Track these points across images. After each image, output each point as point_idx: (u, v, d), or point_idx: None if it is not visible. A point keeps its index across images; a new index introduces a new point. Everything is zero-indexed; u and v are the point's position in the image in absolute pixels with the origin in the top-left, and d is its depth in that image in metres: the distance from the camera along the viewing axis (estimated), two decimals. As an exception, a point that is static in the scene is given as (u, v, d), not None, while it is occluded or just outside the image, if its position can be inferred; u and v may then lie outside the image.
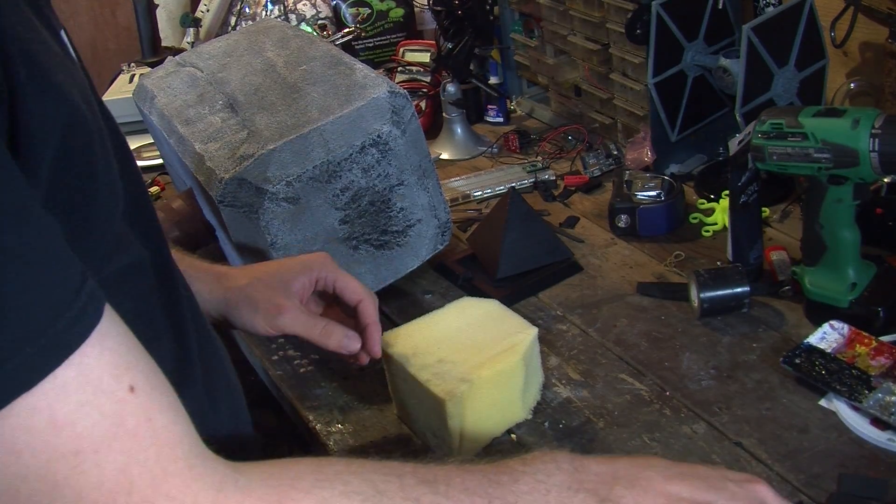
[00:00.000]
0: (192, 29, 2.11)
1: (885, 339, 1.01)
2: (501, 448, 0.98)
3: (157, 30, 2.26)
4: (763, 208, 1.28)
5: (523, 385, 0.99)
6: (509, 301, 1.16)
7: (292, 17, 2.08)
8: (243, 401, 0.83)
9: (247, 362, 1.25)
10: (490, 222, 1.30)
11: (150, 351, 0.67)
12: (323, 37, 1.93)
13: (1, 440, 0.48)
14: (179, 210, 1.31)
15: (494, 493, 0.63)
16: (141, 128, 1.67)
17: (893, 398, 0.93)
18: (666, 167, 1.46)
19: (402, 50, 1.82)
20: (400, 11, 2.01)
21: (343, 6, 2.03)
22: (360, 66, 1.19)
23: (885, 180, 1.20)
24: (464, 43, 1.61)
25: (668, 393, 1.02)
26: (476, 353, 0.97)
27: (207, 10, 2.11)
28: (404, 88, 1.23)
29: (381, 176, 1.15)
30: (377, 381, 1.08)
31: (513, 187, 1.41)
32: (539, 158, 1.59)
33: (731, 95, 1.35)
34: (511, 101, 1.82)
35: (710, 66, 1.40)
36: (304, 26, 2.05)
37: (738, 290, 1.10)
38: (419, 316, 1.05)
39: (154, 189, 1.67)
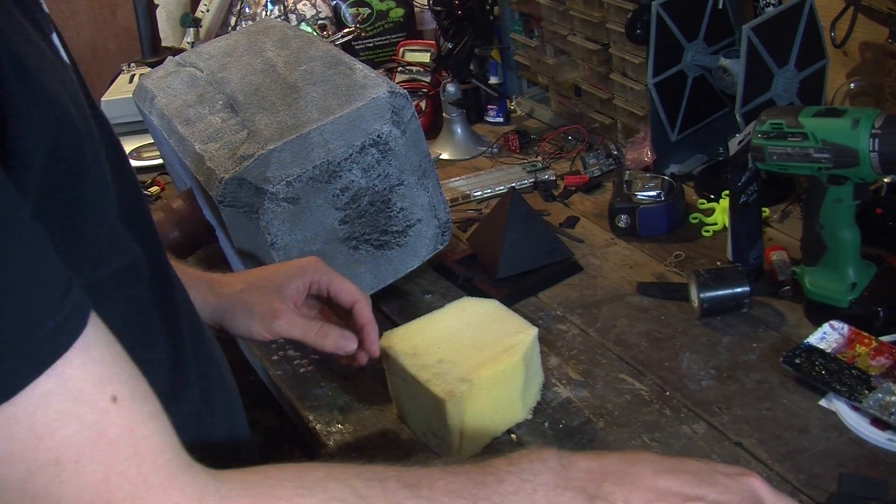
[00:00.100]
0: (192, 29, 2.11)
1: (885, 339, 1.01)
2: (501, 448, 0.98)
3: (157, 30, 2.26)
4: (763, 208, 1.28)
5: (523, 385, 0.99)
6: (509, 301, 1.16)
7: (292, 17, 2.08)
8: (239, 401, 0.83)
9: (247, 362, 1.25)
10: (490, 222, 1.30)
11: (145, 353, 0.67)
12: (323, 37, 1.93)
13: None
14: (179, 210, 1.31)
15: (479, 494, 0.62)
16: (141, 128, 1.67)
17: (893, 398, 0.93)
18: (666, 167, 1.46)
19: (402, 50, 1.82)
20: (400, 11, 2.01)
21: (343, 6, 2.03)
22: (360, 66, 1.19)
23: (885, 180, 1.20)
24: (464, 43, 1.61)
25: (668, 393, 1.02)
26: (476, 353, 0.97)
27: (207, 10, 2.11)
28: (404, 88, 1.23)
29: (381, 176, 1.15)
30: (377, 381, 1.09)
31: (513, 187, 1.41)
32: (539, 158, 1.59)
33: (731, 95, 1.35)
34: (511, 101, 1.82)
35: (710, 66, 1.40)
36: (304, 26, 2.05)
37: (738, 290, 1.11)
38: (419, 316, 1.05)
39: (154, 189, 1.67)
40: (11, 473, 0.49)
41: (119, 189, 0.63)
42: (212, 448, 0.74)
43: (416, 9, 2.02)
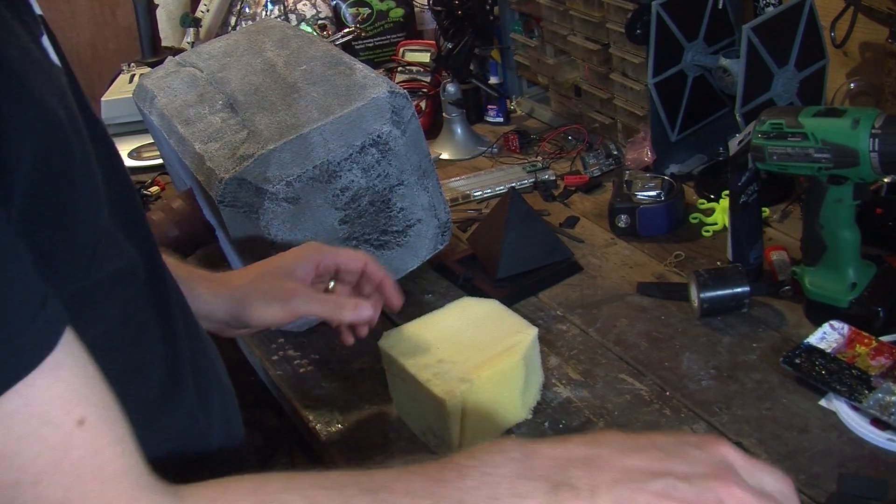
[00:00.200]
0: (192, 29, 2.11)
1: (885, 339, 1.01)
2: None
3: (157, 30, 2.26)
4: (763, 208, 1.28)
5: (523, 385, 0.99)
6: (509, 301, 1.16)
7: (292, 17, 2.09)
8: (235, 401, 0.83)
9: (247, 362, 1.25)
10: (490, 222, 1.30)
11: (141, 354, 0.67)
12: (323, 37, 1.93)
13: None
14: (179, 210, 1.31)
15: (440, 492, 0.60)
16: (141, 128, 1.68)
17: (893, 398, 0.93)
18: (666, 167, 1.46)
19: (402, 50, 1.82)
20: (400, 11, 2.01)
21: (343, 6, 2.03)
22: (360, 66, 1.19)
23: (885, 180, 1.20)
24: (464, 43, 1.61)
25: (668, 393, 1.02)
26: (476, 353, 0.97)
27: (207, 10, 2.11)
28: (404, 88, 1.23)
29: (381, 176, 1.15)
30: (377, 381, 1.09)
31: (513, 187, 1.41)
32: (539, 158, 1.59)
33: (731, 95, 1.35)
34: (511, 101, 1.82)
35: (710, 66, 1.40)
36: (304, 26, 2.05)
37: (738, 290, 1.10)
38: (419, 316, 1.05)
39: (154, 189, 1.67)
40: None
41: (112, 191, 0.63)
42: (208, 448, 0.74)
43: (416, 9, 2.02)
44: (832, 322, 1.04)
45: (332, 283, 1.00)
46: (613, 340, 1.12)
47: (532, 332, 0.99)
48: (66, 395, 0.52)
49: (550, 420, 1.01)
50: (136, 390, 0.67)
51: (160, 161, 1.61)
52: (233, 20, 2.13)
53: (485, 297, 1.10)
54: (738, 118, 1.27)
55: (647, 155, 1.44)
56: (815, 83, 1.37)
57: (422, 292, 1.27)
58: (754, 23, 1.25)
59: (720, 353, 1.07)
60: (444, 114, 1.68)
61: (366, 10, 2.01)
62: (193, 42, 2.08)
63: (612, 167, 1.52)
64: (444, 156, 1.66)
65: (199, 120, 1.18)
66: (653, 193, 1.34)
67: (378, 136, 1.13)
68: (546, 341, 1.13)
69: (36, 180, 0.52)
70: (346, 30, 1.96)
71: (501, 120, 1.78)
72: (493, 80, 1.80)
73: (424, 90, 1.75)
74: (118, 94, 1.88)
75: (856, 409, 0.94)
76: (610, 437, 0.66)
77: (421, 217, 1.20)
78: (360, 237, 1.17)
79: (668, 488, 0.61)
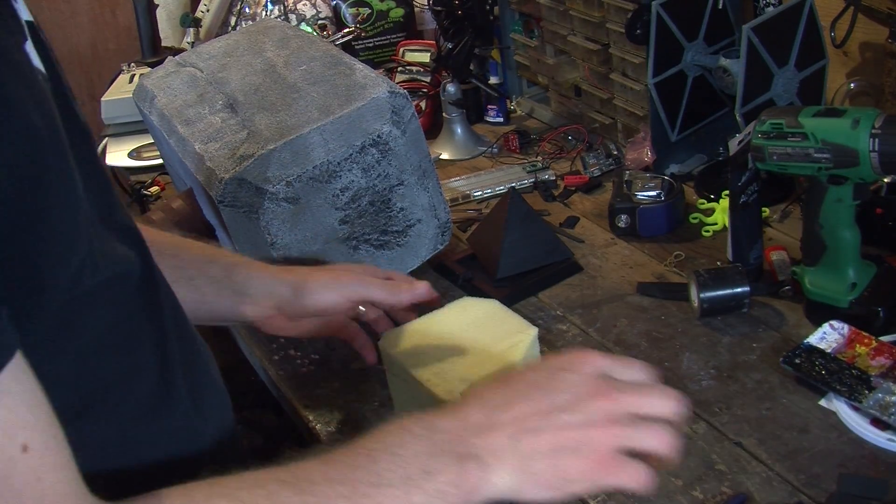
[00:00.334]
0: (192, 29, 2.11)
1: (885, 339, 1.01)
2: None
3: (157, 30, 2.26)
4: (763, 208, 1.28)
5: None
6: (509, 301, 1.16)
7: (292, 17, 2.09)
8: (229, 402, 0.83)
9: (247, 362, 1.25)
10: (490, 222, 1.30)
11: (131, 360, 0.67)
12: (323, 37, 1.93)
13: None
14: (179, 210, 1.31)
15: (356, 476, 0.62)
16: (141, 128, 1.68)
17: (893, 398, 0.93)
18: (666, 167, 1.46)
19: (402, 50, 1.82)
20: (400, 11, 2.01)
21: (343, 6, 2.03)
22: (360, 66, 1.19)
23: (885, 180, 1.20)
24: (464, 43, 1.61)
25: (668, 393, 1.02)
26: (476, 353, 0.97)
27: (207, 10, 2.11)
28: (404, 88, 1.23)
29: (381, 176, 1.15)
30: (377, 381, 1.09)
31: (513, 187, 1.41)
32: (539, 158, 1.59)
33: (731, 95, 1.35)
34: (511, 101, 1.82)
35: (710, 66, 1.40)
36: (304, 26, 2.05)
37: (738, 290, 1.10)
38: (419, 316, 1.05)
39: (154, 189, 1.67)
40: None
41: (96, 197, 0.63)
42: (202, 449, 0.74)
43: (416, 9, 2.02)
44: (832, 322, 1.04)
45: (361, 308, 1.03)
46: (613, 340, 1.12)
47: (532, 332, 0.99)
48: (11, 420, 0.52)
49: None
50: (129, 393, 0.67)
51: (160, 161, 1.61)
52: (233, 20, 2.13)
53: (485, 297, 1.09)
54: (738, 118, 1.27)
55: (647, 155, 1.44)
56: (815, 83, 1.37)
57: (422, 292, 1.27)
58: (754, 23, 1.25)
59: (720, 353, 1.07)
60: (444, 114, 1.68)
61: (366, 10, 2.01)
62: (193, 42, 2.08)
63: (612, 167, 1.52)
64: (444, 156, 1.66)
65: (199, 120, 1.18)
66: (653, 193, 1.34)
67: (378, 136, 1.13)
68: (546, 341, 1.13)
69: (4, 189, 0.51)
70: (346, 30, 1.96)
71: (501, 120, 1.78)
72: (493, 80, 1.80)
73: (424, 90, 1.75)
74: (118, 94, 1.88)
75: (856, 409, 0.94)
76: (490, 393, 0.69)
77: (421, 217, 1.20)
78: (360, 237, 1.17)
79: (562, 425, 0.65)
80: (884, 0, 1.31)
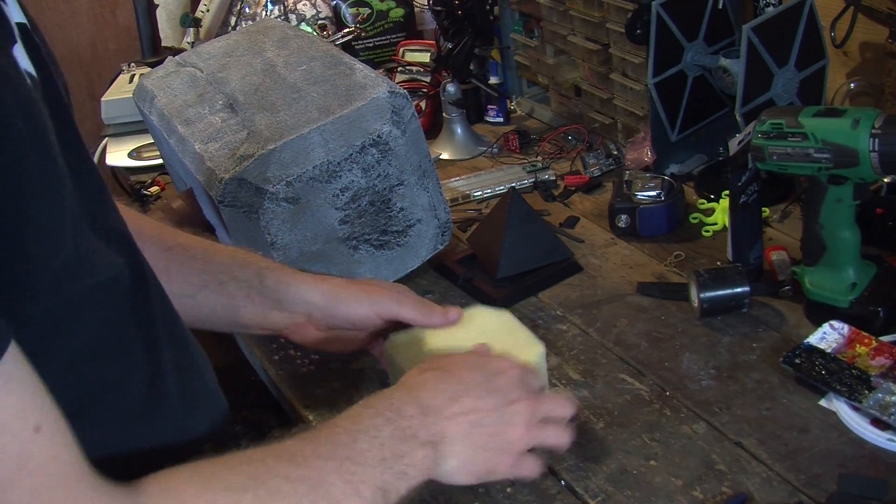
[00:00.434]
0: (192, 29, 2.11)
1: (885, 339, 1.01)
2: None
3: (157, 30, 2.26)
4: (763, 208, 1.28)
5: None
6: (509, 301, 1.16)
7: (292, 17, 2.08)
8: (224, 406, 0.83)
9: (247, 362, 1.25)
10: (490, 222, 1.30)
11: (120, 367, 0.67)
12: (323, 37, 1.93)
13: None
14: (179, 210, 1.31)
15: (342, 454, 0.70)
16: (141, 128, 1.68)
17: (893, 398, 0.93)
18: (666, 167, 1.46)
19: (402, 50, 1.82)
20: (400, 11, 2.01)
21: (343, 6, 2.03)
22: (360, 66, 1.19)
23: (885, 180, 1.20)
24: (464, 43, 1.61)
25: (668, 393, 1.02)
26: None
27: (207, 10, 2.11)
28: (404, 88, 1.23)
29: (381, 176, 1.15)
30: (377, 381, 1.09)
31: (513, 187, 1.41)
32: (539, 158, 1.59)
33: (731, 95, 1.35)
34: (511, 101, 1.82)
35: (710, 66, 1.40)
36: (304, 26, 2.05)
37: (738, 290, 1.10)
38: None
39: (154, 189, 1.67)
40: None
41: (86, 205, 0.63)
42: (193, 453, 0.74)
43: (416, 9, 2.02)
44: (832, 322, 1.04)
45: None
46: (613, 340, 1.12)
47: (538, 349, 0.95)
48: (20, 404, 0.54)
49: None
50: (119, 399, 0.68)
51: (160, 161, 1.61)
52: (233, 20, 2.13)
53: (485, 297, 1.09)
54: (738, 118, 1.27)
55: (647, 155, 1.44)
56: (815, 83, 1.37)
57: (422, 292, 1.27)
58: (754, 23, 1.25)
59: (720, 353, 1.07)
60: (444, 114, 1.68)
61: (366, 10, 2.01)
62: (193, 42, 2.08)
63: (612, 167, 1.52)
64: (444, 156, 1.66)
65: (199, 120, 1.18)
66: (653, 193, 1.34)
67: (378, 136, 1.13)
68: (546, 341, 1.12)
69: None
70: (346, 30, 1.96)
71: (501, 120, 1.78)
72: (493, 80, 1.80)
73: (424, 90, 1.75)
74: (118, 94, 1.88)
75: (856, 409, 0.94)
76: (442, 382, 0.79)
77: (421, 217, 1.20)
78: (360, 237, 1.17)
79: (496, 424, 0.78)
80: (884, 0, 1.31)
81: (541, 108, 1.77)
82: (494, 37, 1.73)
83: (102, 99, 1.88)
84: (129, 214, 0.96)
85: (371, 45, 2.01)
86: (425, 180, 1.19)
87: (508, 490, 0.92)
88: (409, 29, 2.03)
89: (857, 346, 1.01)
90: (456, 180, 1.54)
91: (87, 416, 0.63)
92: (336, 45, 1.47)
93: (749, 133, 1.10)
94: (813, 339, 1.03)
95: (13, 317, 0.54)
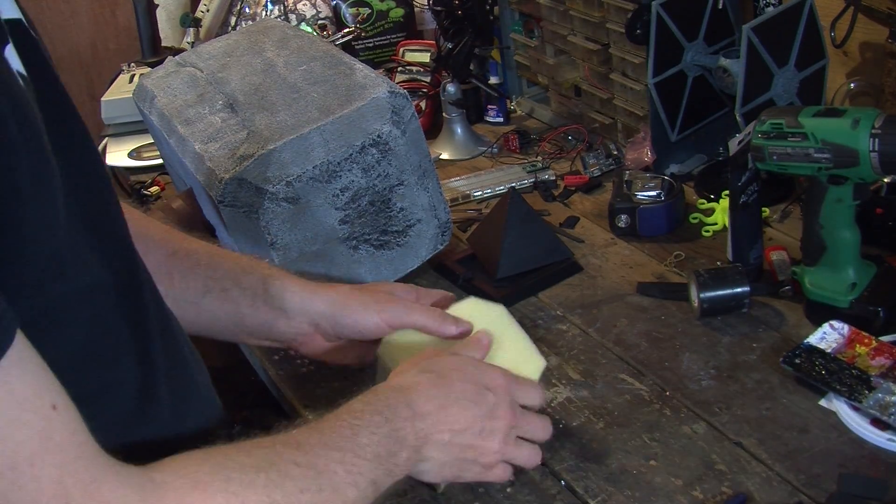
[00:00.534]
0: (192, 29, 2.11)
1: (885, 339, 1.01)
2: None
3: (157, 30, 2.26)
4: (763, 208, 1.28)
5: None
6: (509, 301, 1.16)
7: (292, 17, 2.08)
8: (218, 411, 0.83)
9: (247, 362, 1.25)
10: (490, 222, 1.30)
11: (109, 373, 0.67)
12: (323, 37, 1.93)
13: None
14: (179, 210, 1.31)
15: (345, 446, 0.72)
16: (141, 128, 1.67)
17: (893, 398, 0.93)
18: (666, 167, 1.46)
19: (402, 50, 1.82)
20: (400, 11, 2.01)
21: (343, 6, 2.03)
22: (360, 66, 1.19)
23: (885, 180, 1.20)
24: (464, 43, 1.61)
25: (668, 393, 1.02)
26: None
27: (207, 10, 2.11)
28: (404, 88, 1.23)
29: (381, 176, 1.15)
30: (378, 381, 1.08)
31: (513, 187, 1.41)
32: (539, 158, 1.59)
33: (731, 95, 1.35)
34: (511, 101, 1.82)
35: (710, 66, 1.40)
36: (304, 26, 2.05)
37: (738, 290, 1.10)
38: None
39: (154, 189, 1.67)
40: None
41: (83, 206, 0.63)
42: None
43: (416, 9, 2.02)
44: (832, 322, 1.04)
45: None
46: (613, 340, 1.12)
47: (538, 365, 0.94)
48: (37, 383, 0.55)
49: (550, 420, 1.00)
50: (107, 408, 0.68)
51: (160, 161, 1.61)
52: (233, 20, 2.13)
53: (485, 297, 1.08)
54: (738, 118, 1.27)
55: (647, 155, 1.44)
56: (815, 83, 1.37)
57: (422, 292, 1.27)
58: (754, 23, 1.25)
59: (720, 353, 1.07)
60: (444, 114, 1.68)
61: (366, 10, 2.01)
62: (193, 42, 2.08)
63: (612, 167, 1.52)
64: (444, 156, 1.66)
65: (199, 120, 1.18)
66: (653, 193, 1.34)
67: (378, 136, 1.13)
68: (546, 341, 1.13)
69: None
70: (346, 30, 1.96)
71: (501, 120, 1.77)
72: (493, 80, 1.80)
73: (424, 90, 1.75)
74: (118, 94, 1.88)
75: (856, 409, 0.94)
76: (434, 387, 0.81)
77: (421, 217, 1.20)
78: (360, 237, 1.17)
79: (475, 438, 0.81)
80: (884, 0, 1.31)
81: (541, 108, 1.77)
82: (494, 37, 1.73)
83: (102, 99, 1.88)
84: (135, 216, 0.96)
85: (371, 45, 2.01)
86: (425, 180, 1.19)
87: (508, 490, 0.92)
88: (409, 29, 2.03)
89: (857, 346, 1.01)
90: (456, 180, 1.54)
91: None
92: (336, 45, 1.48)
93: (749, 133, 1.10)
94: (813, 339, 1.03)
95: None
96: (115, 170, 1.78)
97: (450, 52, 1.62)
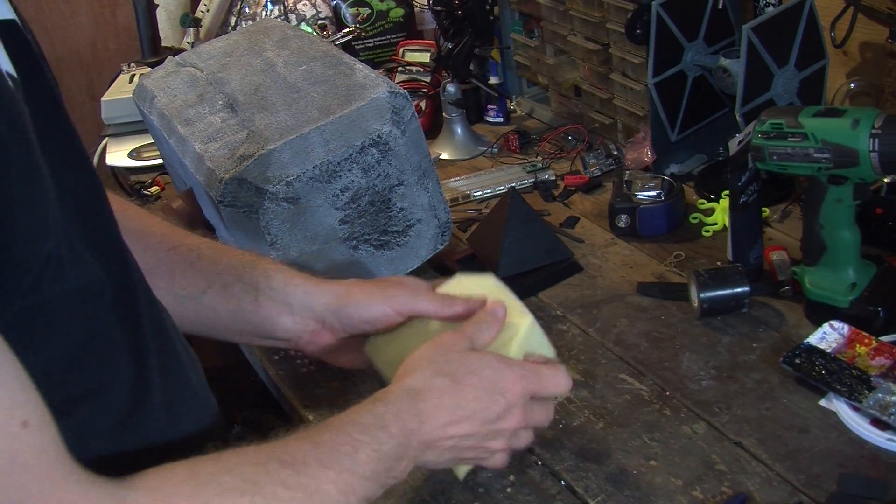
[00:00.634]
0: (192, 29, 2.11)
1: (885, 339, 1.01)
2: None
3: (157, 30, 2.26)
4: (763, 208, 1.28)
5: None
6: (509, 301, 1.16)
7: (292, 17, 2.08)
8: (214, 413, 0.82)
9: (247, 362, 1.25)
10: (490, 222, 1.30)
11: (103, 373, 0.67)
12: (323, 37, 1.93)
13: None
14: (179, 210, 1.31)
15: (343, 463, 0.70)
16: (141, 128, 1.67)
17: (893, 398, 0.93)
18: (666, 167, 1.46)
19: (402, 50, 1.82)
20: (400, 11, 2.01)
21: (343, 6, 2.03)
22: (360, 66, 1.19)
23: (885, 180, 1.20)
24: (464, 43, 1.61)
25: (668, 393, 1.02)
26: None
27: (207, 10, 2.11)
28: (404, 88, 1.23)
29: (381, 176, 1.15)
30: (377, 381, 1.08)
31: (513, 187, 1.41)
32: (539, 158, 1.59)
33: (731, 95, 1.35)
34: (511, 101, 1.82)
35: (710, 66, 1.40)
36: (304, 26, 2.05)
37: (738, 290, 1.10)
38: None
39: (154, 189, 1.67)
40: None
41: (75, 206, 0.62)
42: (176, 459, 0.74)
43: (416, 9, 2.02)
44: (832, 322, 1.04)
45: None
46: (613, 340, 1.12)
47: (525, 321, 0.89)
48: (8, 399, 0.54)
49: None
50: (99, 409, 0.67)
51: (160, 161, 1.61)
52: (233, 20, 2.13)
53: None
54: (738, 118, 1.27)
55: (647, 155, 1.44)
56: (815, 83, 1.37)
57: (422, 292, 1.27)
58: (754, 23, 1.25)
59: (720, 353, 1.07)
60: (444, 114, 1.68)
61: (366, 10, 2.01)
62: (193, 42, 2.08)
63: (612, 167, 1.52)
64: (444, 156, 1.66)
65: (199, 120, 1.18)
66: (653, 193, 1.34)
67: (378, 136, 1.13)
68: (546, 341, 1.13)
69: None
70: (346, 30, 1.96)
71: (501, 120, 1.78)
72: (493, 80, 1.80)
73: (424, 90, 1.75)
74: (118, 94, 1.87)
75: (856, 409, 0.94)
76: (446, 394, 0.79)
77: (421, 217, 1.20)
78: (360, 237, 1.17)
79: (479, 443, 0.80)
80: (884, 0, 1.31)
81: (541, 108, 1.77)
82: (494, 37, 1.73)
83: (102, 99, 1.88)
84: (136, 213, 0.96)
85: (371, 45, 2.01)
86: (425, 180, 1.19)
87: (508, 490, 0.92)
88: (409, 29, 2.03)
89: (857, 346, 1.01)
90: (456, 180, 1.54)
91: (70, 420, 0.63)
92: (336, 45, 1.47)
93: (749, 133, 1.10)
94: (813, 339, 1.03)
95: None
96: (115, 170, 1.78)
97: (450, 52, 1.62)
